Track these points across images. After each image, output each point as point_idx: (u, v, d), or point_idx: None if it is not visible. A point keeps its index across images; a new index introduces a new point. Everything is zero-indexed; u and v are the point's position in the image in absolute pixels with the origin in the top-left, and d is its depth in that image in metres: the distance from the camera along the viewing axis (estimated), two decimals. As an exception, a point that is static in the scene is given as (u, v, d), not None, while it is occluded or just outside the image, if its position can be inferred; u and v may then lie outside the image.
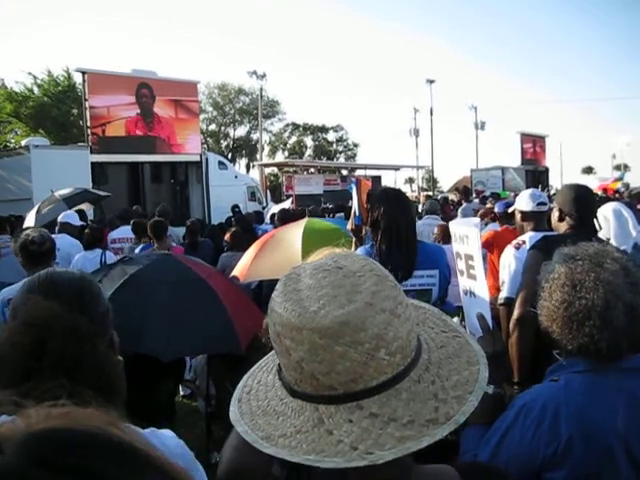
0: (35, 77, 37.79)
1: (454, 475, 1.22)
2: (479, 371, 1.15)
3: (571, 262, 1.94)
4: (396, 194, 3.99)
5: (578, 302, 1.86)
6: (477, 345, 1.24)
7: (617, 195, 16.97)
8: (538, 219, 4.76)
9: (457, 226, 2.75)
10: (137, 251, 7.82)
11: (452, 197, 23.52)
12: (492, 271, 6.04)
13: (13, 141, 36.38)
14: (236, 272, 6.49)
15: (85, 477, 0.50)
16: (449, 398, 1.08)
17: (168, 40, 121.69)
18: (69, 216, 8.93)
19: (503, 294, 4.18)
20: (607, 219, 5.85)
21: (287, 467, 1.12)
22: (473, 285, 2.48)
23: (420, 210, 12.11)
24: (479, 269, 2.42)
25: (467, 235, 2.53)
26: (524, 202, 4.86)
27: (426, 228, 8.73)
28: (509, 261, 4.25)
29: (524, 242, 4.31)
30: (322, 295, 1.08)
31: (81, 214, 10.23)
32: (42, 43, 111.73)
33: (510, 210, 5.54)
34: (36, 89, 38.24)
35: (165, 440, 1.70)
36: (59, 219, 8.81)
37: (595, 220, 3.77)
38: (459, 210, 13.21)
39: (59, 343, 1.48)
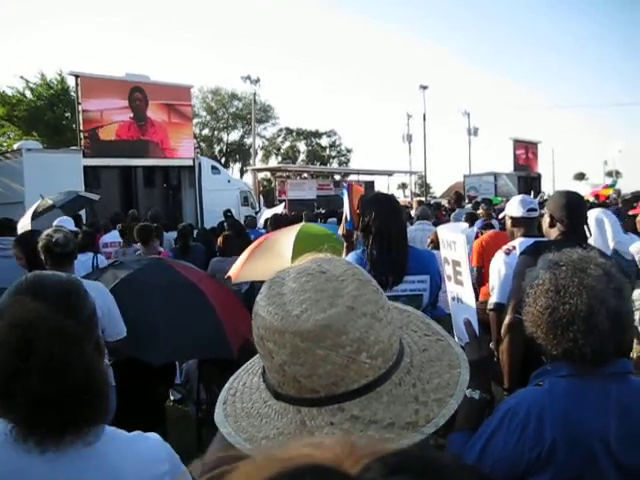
0: (27, 81, 37.71)
1: None
2: (460, 374, 1.16)
3: (555, 268, 1.96)
4: (387, 199, 4.00)
5: (562, 307, 1.87)
6: (459, 348, 1.25)
7: (609, 202, 17.04)
8: (528, 225, 4.78)
9: (445, 232, 2.76)
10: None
11: (444, 203, 23.57)
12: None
13: (5, 144, 36.25)
14: (230, 273, 6.52)
15: None
16: (430, 401, 1.09)
17: (161, 44, 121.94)
18: (64, 221, 8.92)
19: (493, 299, 4.20)
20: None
21: None
22: (460, 291, 2.50)
23: (412, 215, 12.11)
24: (466, 275, 2.43)
25: (454, 241, 2.54)
26: (514, 208, 4.87)
27: (418, 234, 8.73)
28: (499, 266, 4.27)
29: (514, 248, 4.33)
30: (305, 299, 1.08)
31: (77, 219, 10.23)
32: (35, 47, 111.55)
33: (500, 216, 5.56)
34: (28, 92, 38.12)
35: (151, 444, 1.71)
36: (54, 223, 8.81)
37: (586, 226, 3.79)
38: (452, 215, 13.23)
39: (45, 344, 1.48)
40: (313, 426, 1.06)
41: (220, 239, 8.61)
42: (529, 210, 4.83)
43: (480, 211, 12.05)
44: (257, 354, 1.34)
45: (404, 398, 1.09)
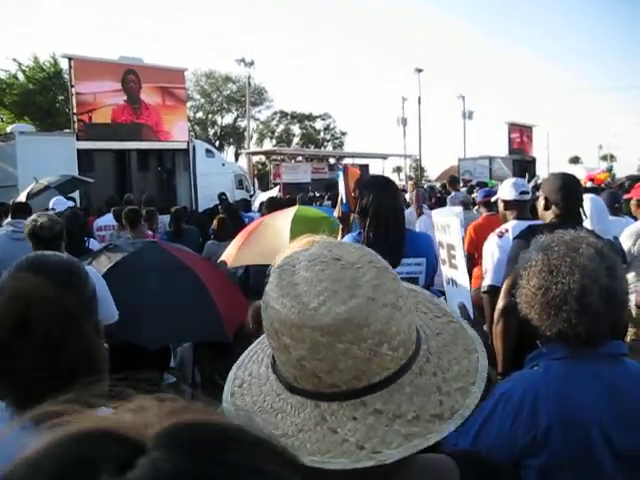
0: (20, 63, 37.45)
1: (450, 464, 1.20)
2: (478, 360, 1.12)
3: (547, 249, 1.96)
4: (385, 181, 4.01)
5: (555, 287, 1.87)
6: (472, 330, 1.21)
7: (605, 186, 17.03)
8: (521, 208, 4.79)
9: (439, 216, 2.78)
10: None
11: (438, 186, 23.54)
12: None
13: (-2, 128, 36.09)
14: (224, 257, 6.50)
15: (255, 474, 0.49)
16: (452, 390, 1.06)
17: (155, 27, 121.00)
18: (59, 200, 8.95)
19: (486, 282, 4.22)
20: None
21: None
22: (455, 274, 2.51)
23: (408, 199, 12.09)
24: (460, 258, 2.45)
25: (449, 224, 2.55)
26: (507, 191, 4.89)
27: (413, 217, 8.74)
28: (492, 249, 4.28)
29: (507, 230, 4.35)
30: (321, 290, 1.04)
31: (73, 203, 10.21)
32: (28, 29, 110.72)
33: (493, 199, 5.57)
34: (21, 75, 37.87)
35: None
36: (50, 203, 8.80)
37: (581, 209, 3.79)
38: (447, 199, 13.22)
39: (44, 319, 1.47)
40: (334, 421, 1.02)
41: (215, 222, 8.60)
42: (521, 193, 4.85)
43: (474, 195, 12.03)
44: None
45: (427, 389, 1.06)
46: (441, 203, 12.09)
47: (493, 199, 5.58)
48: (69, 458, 0.47)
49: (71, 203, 9.03)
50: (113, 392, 0.60)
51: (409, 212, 8.84)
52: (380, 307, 1.02)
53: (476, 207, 9.19)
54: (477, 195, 8.54)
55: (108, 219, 9.84)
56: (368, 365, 1.01)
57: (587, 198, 5.70)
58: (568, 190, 3.74)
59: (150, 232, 8.71)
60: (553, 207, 3.73)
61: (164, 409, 0.53)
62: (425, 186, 21.74)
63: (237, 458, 0.49)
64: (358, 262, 1.08)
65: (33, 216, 4.64)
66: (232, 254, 6.39)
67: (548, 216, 3.77)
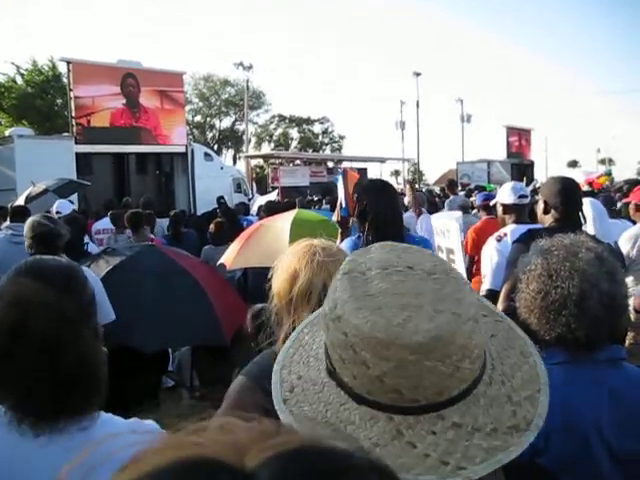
0: (18, 67, 37.45)
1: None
2: (536, 364, 1.11)
3: (547, 253, 1.96)
4: (383, 185, 4.01)
5: (554, 291, 1.87)
6: (521, 330, 1.19)
7: (603, 190, 17.06)
8: (519, 212, 4.80)
9: (439, 220, 2.77)
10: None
11: (437, 190, 23.56)
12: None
13: (-4, 131, 36.07)
14: (223, 260, 6.49)
15: None
16: (522, 400, 1.04)
17: (153, 30, 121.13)
18: (63, 204, 8.96)
19: (485, 286, 4.22)
20: None
21: None
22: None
23: (406, 203, 12.11)
24: (459, 262, 2.44)
25: (448, 229, 2.55)
26: (505, 195, 4.89)
27: (412, 220, 8.74)
28: (491, 253, 4.28)
29: (505, 234, 4.35)
30: (405, 304, 1.00)
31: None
32: (26, 32, 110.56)
33: (492, 203, 5.57)
34: (19, 79, 37.87)
35: (147, 429, 1.70)
36: (54, 207, 8.80)
37: (580, 213, 3.78)
38: (446, 202, 13.23)
39: (40, 324, 1.47)
40: (412, 435, 0.98)
41: (212, 226, 8.59)
42: (520, 197, 4.85)
43: (472, 198, 12.04)
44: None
45: (499, 399, 1.03)
46: (436, 208, 12.05)
47: (492, 203, 5.58)
48: None
49: (74, 206, 9.03)
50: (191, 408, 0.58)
51: (408, 216, 8.85)
52: (464, 322, 0.99)
53: (474, 211, 9.20)
54: (476, 199, 8.53)
55: (106, 222, 9.84)
56: (450, 380, 0.99)
57: (587, 202, 5.71)
58: (567, 194, 3.74)
59: (152, 235, 8.71)
60: (552, 211, 3.73)
61: (255, 430, 0.52)
62: (423, 190, 21.74)
63: None
64: (434, 272, 1.05)
65: (36, 217, 4.63)
66: (231, 257, 6.37)
67: (547, 220, 3.77)
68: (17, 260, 2.19)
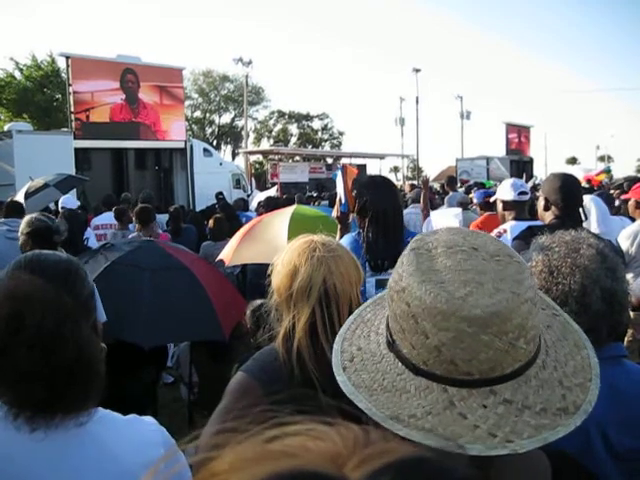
0: (17, 62, 37.40)
1: (542, 459, 1.23)
2: (589, 356, 1.15)
3: (548, 250, 1.95)
4: (384, 181, 4.01)
5: (555, 288, 1.87)
6: (576, 325, 1.23)
7: (602, 187, 17.07)
8: (519, 208, 4.80)
9: (438, 217, 2.76)
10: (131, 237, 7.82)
11: (436, 186, 23.56)
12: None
13: (-5, 126, 36.04)
14: (222, 256, 6.48)
15: None
16: (573, 386, 1.08)
17: (153, 25, 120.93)
18: (68, 199, 8.99)
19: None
20: None
21: None
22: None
23: (405, 199, 12.09)
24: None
25: (447, 226, 2.53)
26: (505, 191, 4.89)
27: (412, 217, 8.72)
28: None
29: (505, 231, 4.35)
30: (467, 280, 1.05)
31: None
32: (25, 27, 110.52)
33: (492, 199, 5.57)
34: (18, 74, 37.83)
35: (147, 427, 1.70)
36: (60, 202, 8.81)
37: (581, 210, 3.77)
38: (445, 199, 13.23)
39: (37, 317, 1.46)
40: (464, 407, 1.03)
41: (211, 221, 8.59)
42: (520, 194, 4.85)
43: (471, 195, 12.03)
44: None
45: (550, 382, 1.08)
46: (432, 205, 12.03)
47: (492, 199, 5.57)
48: None
49: (79, 202, 9.05)
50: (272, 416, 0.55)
51: (408, 212, 8.84)
52: (522, 302, 1.04)
53: (473, 206, 9.17)
54: (474, 196, 8.50)
55: (105, 218, 9.84)
56: (504, 357, 1.03)
57: (589, 199, 5.71)
58: (568, 191, 3.73)
59: (161, 231, 8.71)
60: (553, 207, 3.72)
61: (348, 439, 0.50)
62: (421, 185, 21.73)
63: None
64: (498, 254, 1.11)
65: (33, 214, 4.64)
66: (230, 253, 6.36)
67: (548, 216, 3.76)
68: (12, 256, 2.18)
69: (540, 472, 1.24)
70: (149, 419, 1.73)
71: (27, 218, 4.60)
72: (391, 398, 1.08)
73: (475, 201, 7.96)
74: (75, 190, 14.04)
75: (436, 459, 0.50)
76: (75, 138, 19.54)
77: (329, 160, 40.14)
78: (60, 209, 8.34)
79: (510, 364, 1.04)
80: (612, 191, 12.04)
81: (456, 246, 1.11)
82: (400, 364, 1.11)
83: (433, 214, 2.99)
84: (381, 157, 44.83)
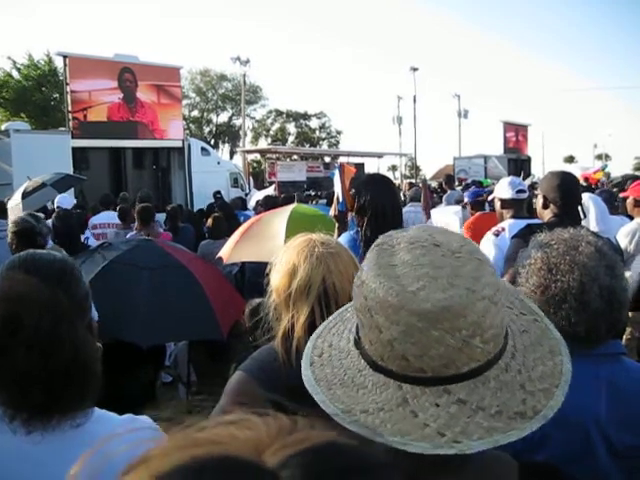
0: (14, 61, 37.39)
1: (510, 462, 1.21)
2: (562, 362, 1.13)
3: (547, 247, 1.96)
4: (383, 180, 4.01)
5: (554, 285, 1.86)
6: (557, 332, 1.21)
7: (600, 185, 17.09)
8: (517, 206, 4.80)
9: (438, 215, 2.75)
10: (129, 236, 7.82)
11: (434, 185, 23.57)
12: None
13: (-7, 126, 36.02)
14: (221, 253, 6.48)
15: None
16: (536, 390, 1.07)
17: (150, 24, 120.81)
18: (63, 198, 8.95)
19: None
20: None
21: None
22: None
23: (403, 197, 12.11)
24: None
25: (447, 223, 2.53)
26: (503, 190, 4.89)
27: (410, 215, 8.71)
28: (488, 248, 4.28)
29: (503, 229, 4.35)
30: (421, 275, 1.04)
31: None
32: (22, 27, 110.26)
33: (490, 198, 5.57)
34: (15, 73, 37.80)
35: (142, 426, 1.69)
36: (56, 201, 8.80)
37: (580, 208, 3.77)
38: (443, 197, 13.24)
39: (34, 318, 1.45)
40: (416, 405, 1.03)
41: (210, 220, 8.59)
42: (518, 192, 4.85)
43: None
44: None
45: (511, 385, 1.06)
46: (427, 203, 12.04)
47: (490, 198, 5.58)
48: None
49: (74, 200, 9.02)
50: (202, 405, 0.57)
51: (406, 210, 8.84)
52: (478, 299, 1.03)
53: (462, 205, 9.18)
54: (465, 195, 8.50)
55: (103, 217, 9.83)
56: (458, 355, 1.02)
57: (587, 197, 5.72)
58: (567, 189, 3.74)
59: (162, 230, 8.71)
60: (552, 206, 3.73)
61: (272, 427, 0.52)
62: (420, 184, 21.75)
63: None
64: (459, 251, 1.09)
65: (22, 215, 4.69)
66: (228, 251, 6.36)
67: (546, 215, 3.76)
68: (1, 254, 2.18)
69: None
70: (145, 418, 1.73)
71: (15, 218, 4.65)
72: (348, 393, 1.09)
73: (466, 200, 7.95)
74: (73, 189, 14.03)
75: (352, 446, 0.51)
76: (73, 137, 19.49)
77: (327, 159, 40.11)
78: (55, 208, 8.30)
79: (465, 363, 1.03)
80: (614, 189, 12.06)
81: (418, 242, 1.11)
82: (363, 360, 1.12)
83: (433, 212, 2.98)
84: (379, 156, 44.78)
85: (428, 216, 7.63)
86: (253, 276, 7.04)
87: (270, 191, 18.31)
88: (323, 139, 68.86)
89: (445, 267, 1.05)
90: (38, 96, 37.18)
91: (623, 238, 5.25)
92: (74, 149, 19.12)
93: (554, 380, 1.09)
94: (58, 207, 8.38)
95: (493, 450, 1.12)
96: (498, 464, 1.20)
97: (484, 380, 1.05)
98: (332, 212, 4.59)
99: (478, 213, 7.21)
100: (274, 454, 0.47)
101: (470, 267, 1.06)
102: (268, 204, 10.11)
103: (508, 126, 43.33)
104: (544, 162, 69.62)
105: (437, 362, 1.02)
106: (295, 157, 38.91)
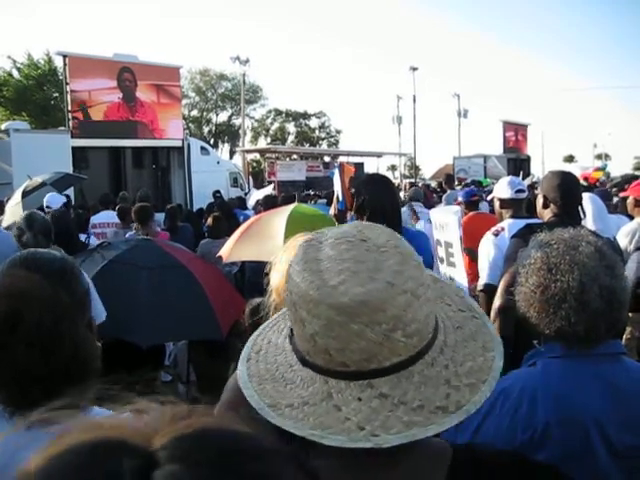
0: (14, 61, 37.40)
1: (446, 450, 1.19)
2: (494, 359, 1.13)
3: (546, 247, 1.95)
4: (383, 180, 4.02)
5: (554, 285, 1.86)
6: (494, 329, 1.21)
7: (599, 184, 17.09)
8: (516, 206, 4.80)
9: (437, 214, 2.76)
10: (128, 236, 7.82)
11: (433, 184, 23.60)
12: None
13: (-7, 125, 36.00)
14: (221, 252, 6.50)
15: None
16: (462, 385, 1.06)
17: (149, 24, 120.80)
18: (53, 197, 8.90)
19: (482, 281, 4.21)
20: None
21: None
22: (453, 272, 2.49)
23: (403, 197, 12.12)
24: (458, 256, 2.43)
25: (447, 223, 2.53)
26: (502, 189, 4.89)
27: (409, 215, 8.74)
28: (488, 248, 4.27)
29: (503, 229, 4.34)
30: (343, 269, 1.05)
31: (66, 200, 10.18)
32: (22, 26, 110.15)
33: (489, 198, 5.57)
34: (15, 72, 37.80)
35: None
36: (45, 200, 8.76)
37: (580, 208, 3.77)
38: (443, 197, 13.26)
39: (36, 314, 1.46)
40: (340, 399, 1.03)
41: (210, 219, 8.60)
42: (517, 191, 4.85)
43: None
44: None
45: (436, 380, 1.06)
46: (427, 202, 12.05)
47: (489, 197, 5.58)
48: (90, 474, 0.47)
49: (64, 199, 8.98)
50: (108, 394, 0.59)
51: (404, 210, 8.85)
52: (399, 293, 1.03)
53: (456, 203, 9.19)
54: (460, 194, 8.50)
55: (103, 216, 9.83)
56: (379, 349, 1.02)
57: (587, 197, 5.72)
58: (567, 188, 3.73)
59: (159, 229, 8.70)
60: (552, 205, 3.72)
61: (167, 414, 0.53)
62: (420, 184, 21.78)
63: (253, 468, 0.49)
64: (384, 246, 1.09)
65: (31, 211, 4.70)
66: (228, 250, 6.38)
67: (547, 214, 3.76)
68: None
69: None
70: None
71: (29, 213, 4.69)
72: (277, 388, 1.11)
73: (460, 199, 7.95)
74: (72, 189, 14.03)
75: (241, 431, 0.53)
76: (72, 137, 19.50)
77: (326, 158, 40.11)
78: (45, 208, 8.25)
79: (387, 357, 1.03)
80: (614, 189, 12.05)
81: (345, 237, 1.11)
82: (295, 356, 1.13)
83: (432, 212, 2.98)
84: (378, 155, 44.79)
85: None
86: (253, 276, 7.05)
87: (269, 190, 18.30)
88: (323, 139, 68.87)
89: (368, 261, 1.06)
90: (38, 95, 37.18)
91: (623, 238, 5.26)
92: (74, 148, 19.12)
93: (482, 375, 1.09)
94: (47, 207, 8.31)
95: (432, 438, 1.12)
96: (430, 451, 1.18)
97: (408, 375, 1.05)
98: (332, 211, 4.61)
99: (471, 213, 7.20)
100: (161, 438, 0.49)
101: (393, 261, 1.06)
102: (268, 204, 10.12)
103: (508, 126, 43.34)
104: (544, 162, 69.60)
105: (358, 356, 1.02)
106: (295, 157, 38.90)
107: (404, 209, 9.02)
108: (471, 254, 4.71)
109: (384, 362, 1.03)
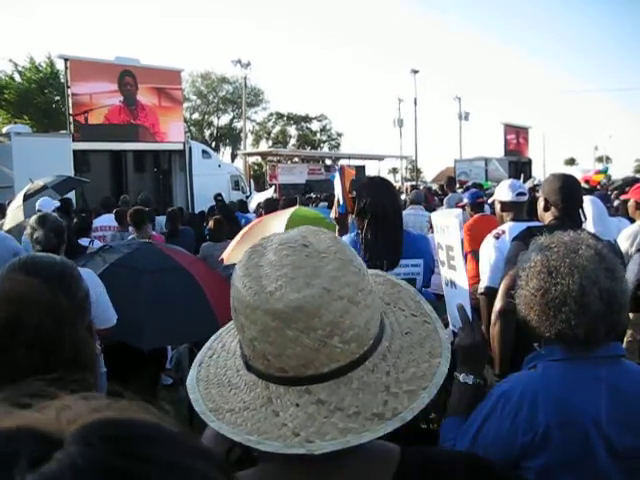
0: (16, 64, 37.45)
1: (393, 453, 1.17)
2: (439, 365, 1.11)
3: (547, 250, 1.96)
4: (383, 183, 4.00)
5: (554, 288, 1.86)
6: (444, 335, 1.20)
7: (600, 187, 17.09)
8: (517, 209, 4.79)
9: (438, 217, 2.74)
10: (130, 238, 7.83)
11: (435, 187, 23.59)
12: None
13: (-6, 129, 36.03)
14: (223, 255, 6.53)
15: (169, 468, 0.49)
16: (401, 392, 1.05)
17: (151, 27, 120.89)
18: (46, 201, 8.87)
19: (483, 283, 4.20)
20: None
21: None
22: (454, 275, 2.48)
23: (404, 200, 12.11)
24: (459, 259, 2.42)
25: (448, 226, 2.52)
26: (503, 192, 4.88)
27: (410, 218, 8.73)
28: (489, 251, 4.27)
29: (504, 232, 4.34)
30: (281, 275, 1.05)
31: (67, 203, 10.17)
32: (24, 29, 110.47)
33: (490, 200, 5.56)
34: (17, 76, 37.85)
35: None
36: (37, 204, 8.73)
37: (581, 211, 3.77)
38: (444, 200, 13.25)
39: (35, 318, 1.46)
40: (279, 405, 1.04)
41: (211, 222, 8.61)
42: (518, 194, 4.85)
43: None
44: None
45: (375, 387, 1.05)
46: (428, 204, 12.02)
47: (490, 200, 5.58)
48: None
49: (57, 203, 8.94)
50: (40, 392, 0.60)
51: (412, 213, 8.86)
52: (335, 299, 1.02)
53: (462, 205, 9.17)
54: (465, 196, 8.48)
55: (104, 220, 9.83)
56: (316, 355, 1.02)
57: (587, 200, 5.71)
58: (568, 191, 3.73)
59: (155, 233, 8.70)
60: (553, 208, 3.72)
61: (87, 407, 0.54)
62: (421, 187, 21.77)
63: (151, 453, 0.49)
64: (325, 252, 1.09)
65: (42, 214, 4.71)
66: (229, 253, 6.41)
67: (547, 217, 3.76)
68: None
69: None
70: None
71: (41, 215, 4.70)
72: (222, 392, 1.12)
73: (465, 201, 7.93)
74: (74, 192, 14.04)
75: (144, 419, 0.54)
76: (74, 140, 19.52)
77: (328, 161, 40.16)
78: (36, 211, 8.20)
79: (325, 363, 1.03)
80: (615, 191, 12.04)
81: (287, 243, 1.11)
82: (242, 361, 1.14)
83: (433, 215, 2.98)
84: (380, 158, 44.83)
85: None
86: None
87: (270, 193, 18.30)
88: (324, 142, 68.85)
89: (306, 267, 1.06)
90: (40, 99, 37.19)
91: (624, 241, 5.25)
92: (75, 152, 19.14)
93: (423, 382, 1.08)
94: (39, 211, 8.25)
95: (380, 441, 1.11)
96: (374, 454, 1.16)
97: (347, 381, 1.04)
98: (333, 215, 4.59)
99: (477, 215, 7.19)
100: (74, 426, 0.50)
101: (331, 267, 1.06)
102: (269, 207, 10.12)
103: (509, 128, 43.37)
104: (545, 164, 69.58)
105: (295, 362, 1.02)
106: (296, 160, 38.89)
107: (408, 211, 9.02)
108: (477, 256, 4.73)
109: (322, 368, 1.03)
